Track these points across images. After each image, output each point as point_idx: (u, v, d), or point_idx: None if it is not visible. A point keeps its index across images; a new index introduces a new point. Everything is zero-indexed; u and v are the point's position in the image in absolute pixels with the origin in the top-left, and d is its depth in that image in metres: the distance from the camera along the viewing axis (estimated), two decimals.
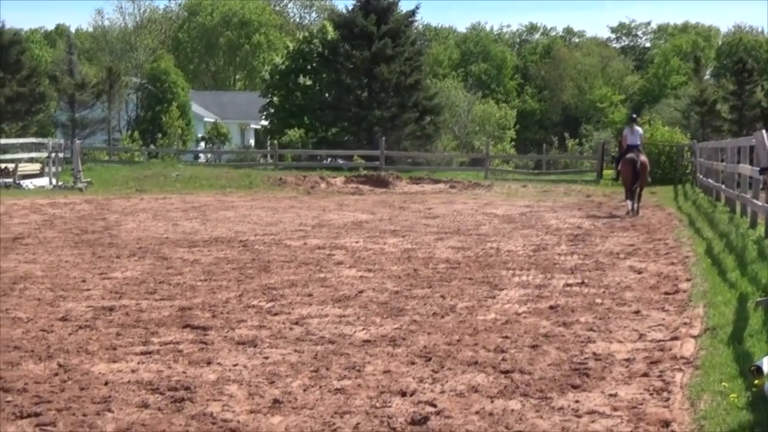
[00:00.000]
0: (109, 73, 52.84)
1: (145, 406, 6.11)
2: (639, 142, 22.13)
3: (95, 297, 10.22)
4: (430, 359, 7.35)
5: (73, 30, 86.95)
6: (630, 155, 21.43)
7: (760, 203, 15.34)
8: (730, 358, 7.06)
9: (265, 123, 57.44)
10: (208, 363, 7.24)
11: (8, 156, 33.19)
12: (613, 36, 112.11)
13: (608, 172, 35.27)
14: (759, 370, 6.17)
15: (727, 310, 8.84)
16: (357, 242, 15.53)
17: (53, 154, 32.12)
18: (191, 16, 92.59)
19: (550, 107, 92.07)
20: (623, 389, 6.51)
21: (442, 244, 15.33)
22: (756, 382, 6.08)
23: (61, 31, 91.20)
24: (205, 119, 63.82)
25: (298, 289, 10.68)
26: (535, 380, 6.72)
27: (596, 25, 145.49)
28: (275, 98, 54.21)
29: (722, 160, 22.28)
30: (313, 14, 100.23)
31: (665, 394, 6.38)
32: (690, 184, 31.76)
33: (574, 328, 8.51)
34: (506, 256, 13.78)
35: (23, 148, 34.78)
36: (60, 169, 32.59)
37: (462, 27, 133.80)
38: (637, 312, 9.28)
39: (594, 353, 7.54)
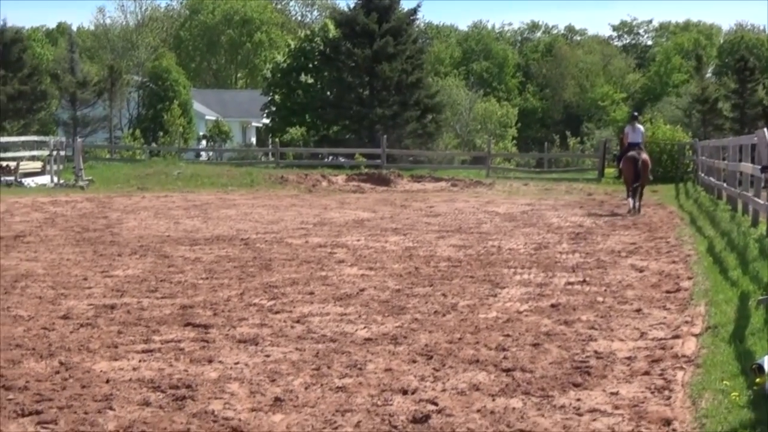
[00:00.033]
0: (111, 71, 52.90)
1: (147, 404, 6.11)
2: (640, 140, 22.14)
3: (97, 295, 10.23)
4: (431, 357, 7.35)
5: (74, 28, 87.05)
6: (631, 153, 21.41)
7: (761, 201, 15.33)
8: (731, 356, 7.05)
9: (266, 121, 57.44)
10: (210, 361, 7.24)
11: (10, 154, 33.21)
12: (614, 34, 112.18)
13: (610, 171, 35.29)
14: (760, 368, 6.17)
15: (729, 308, 8.84)
16: (358, 240, 15.52)
17: (55, 153, 32.15)
18: (193, 14, 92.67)
19: (551, 105, 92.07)
20: (624, 387, 6.51)
21: (443, 242, 15.33)
22: (757, 380, 6.07)
23: (62, 29, 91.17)
24: (207, 117, 63.83)
25: (299, 288, 10.68)
26: (536, 378, 6.72)
27: (598, 23, 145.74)
28: (277, 96, 54.20)
29: (724, 159, 22.26)
30: (315, 12, 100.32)
31: (666, 392, 6.38)
32: (691, 183, 31.73)
33: (576, 327, 8.51)
34: (508, 254, 13.77)
35: (25, 146, 34.82)
36: (61, 167, 32.62)
37: (463, 25, 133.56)
38: (638, 310, 9.28)
39: (595, 351, 7.54)
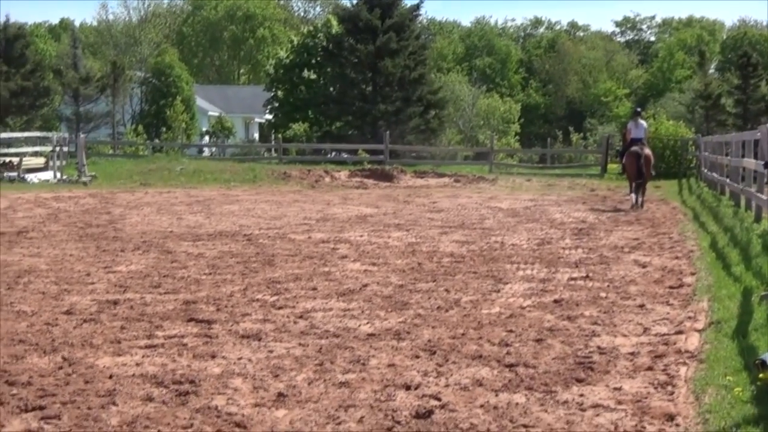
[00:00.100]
0: (114, 67, 52.90)
1: (150, 399, 6.11)
2: (643, 136, 22.12)
3: (100, 291, 10.23)
4: (434, 353, 7.35)
5: (77, 24, 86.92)
6: (634, 148, 21.40)
7: (764, 197, 15.32)
8: (734, 351, 7.05)
9: (269, 117, 57.44)
10: (213, 356, 7.24)
11: (13, 150, 33.24)
12: (617, 30, 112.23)
13: (612, 167, 35.26)
14: (763, 363, 6.16)
15: (732, 304, 8.83)
16: (361, 236, 15.52)
17: (57, 148, 32.16)
18: (195, 10, 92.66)
19: (554, 101, 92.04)
20: (628, 383, 6.51)
21: (446, 237, 15.32)
22: (760, 375, 6.06)
23: (65, 25, 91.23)
24: (210, 113, 63.85)
25: (302, 283, 10.68)
26: (539, 374, 6.72)
27: (601, 19, 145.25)
28: (279, 92, 54.20)
29: (727, 154, 22.25)
30: (318, 8, 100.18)
31: (670, 387, 6.38)
32: (694, 178, 31.73)
33: (579, 322, 8.50)
34: (510, 249, 13.77)
35: (28, 142, 34.86)
36: (64, 162, 32.64)
37: (466, 21, 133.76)
38: (641, 306, 9.27)
39: (598, 347, 7.54)
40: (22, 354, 7.29)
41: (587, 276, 11.20)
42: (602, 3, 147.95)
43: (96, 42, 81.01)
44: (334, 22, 53.16)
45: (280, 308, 9.18)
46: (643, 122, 22.86)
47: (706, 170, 28.33)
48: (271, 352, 7.40)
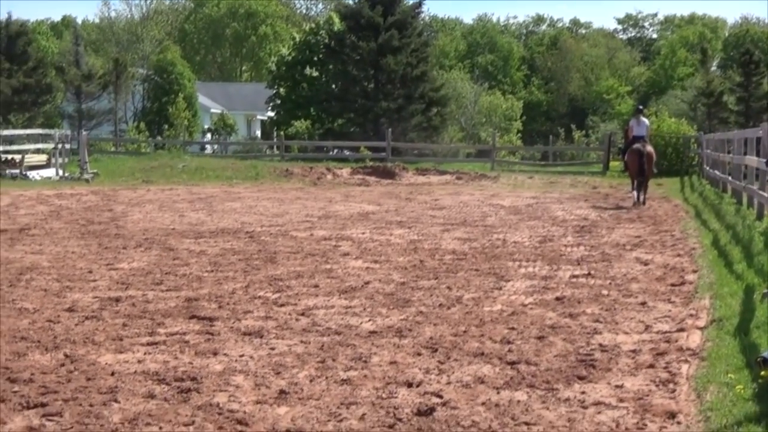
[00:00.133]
0: (116, 64, 52.86)
1: (152, 396, 6.12)
2: (645, 134, 22.10)
3: (101, 288, 10.24)
4: (436, 350, 7.35)
5: (79, 21, 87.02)
6: (636, 146, 21.38)
7: (766, 194, 15.31)
8: (736, 349, 7.05)
9: (271, 114, 57.40)
10: (215, 354, 7.25)
11: (15, 147, 33.23)
12: (619, 27, 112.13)
13: (615, 164, 35.24)
14: (765, 361, 6.15)
15: (734, 301, 8.83)
16: (363, 233, 15.53)
17: (60, 146, 32.19)
18: (198, 7, 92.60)
19: (556, 98, 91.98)
20: (629, 380, 6.51)
21: (448, 235, 15.33)
22: (762, 373, 6.06)
23: (67, 22, 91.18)
24: (212, 110, 63.80)
25: (304, 280, 10.69)
26: (541, 371, 6.72)
27: (603, 17, 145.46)
28: (282, 89, 54.15)
29: (729, 152, 22.24)
30: (320, 5, 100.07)
31: (671, 385, 6.38)
32: (696, 176, 31.71)
33: (581, 320, 8.50)
34: (512, 247, 13.77)
35: (30, 139, 34.83)
36: (66, 160, 32.66)
37: (468, 18, 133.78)
38: (643, 303, 9.27)
39: (600, 344, 7.54)
40: (24, 351, 7.30)
41: (589, 273, 11.20)
42: (604, 0, 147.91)
43: (98, 39, 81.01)
44: (336, 20, 53.10)
45: (281, 305, 9.19)
46: (645, 120, 22.84)
47: (708, 168, 28.32)
48: (272, 349, 7.41)
